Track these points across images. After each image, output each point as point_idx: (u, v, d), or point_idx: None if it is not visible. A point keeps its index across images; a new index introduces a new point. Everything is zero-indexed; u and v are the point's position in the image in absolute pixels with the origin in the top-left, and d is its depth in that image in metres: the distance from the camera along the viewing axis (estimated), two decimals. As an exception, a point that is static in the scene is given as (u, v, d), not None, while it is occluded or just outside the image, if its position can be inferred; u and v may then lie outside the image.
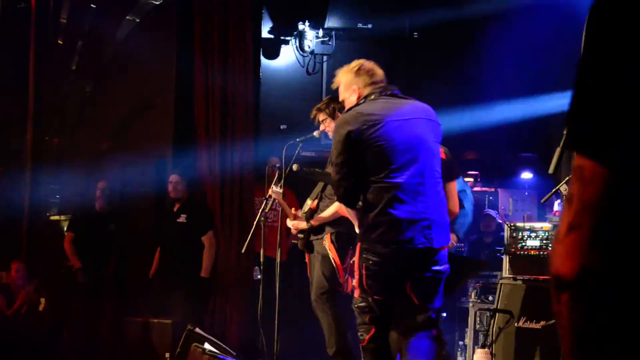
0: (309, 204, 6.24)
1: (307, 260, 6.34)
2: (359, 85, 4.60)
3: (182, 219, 7.99)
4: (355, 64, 4.66)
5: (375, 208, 4.38)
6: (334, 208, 6.09)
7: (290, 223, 6.21)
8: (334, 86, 4.77)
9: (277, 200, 6.29)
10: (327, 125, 6.29)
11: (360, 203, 4.48)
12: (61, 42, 9.37)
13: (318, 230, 6.15)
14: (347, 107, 4.60)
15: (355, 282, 4.46)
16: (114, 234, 8.54)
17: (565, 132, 3.21)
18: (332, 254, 6.03)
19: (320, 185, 6.29)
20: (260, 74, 8.96)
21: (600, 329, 1.08)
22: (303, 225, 6.12)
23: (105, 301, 8.42)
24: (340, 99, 4.71)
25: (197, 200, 8.28)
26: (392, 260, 4.41)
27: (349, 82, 4.64)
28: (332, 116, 6.26)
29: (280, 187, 6.22)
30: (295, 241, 6.28)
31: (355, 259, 4.46)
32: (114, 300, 8.48)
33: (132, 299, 8.35)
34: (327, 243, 6.06)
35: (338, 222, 6.10)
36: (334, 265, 6.03)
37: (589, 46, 1.11)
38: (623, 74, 1.06)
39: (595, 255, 1.07)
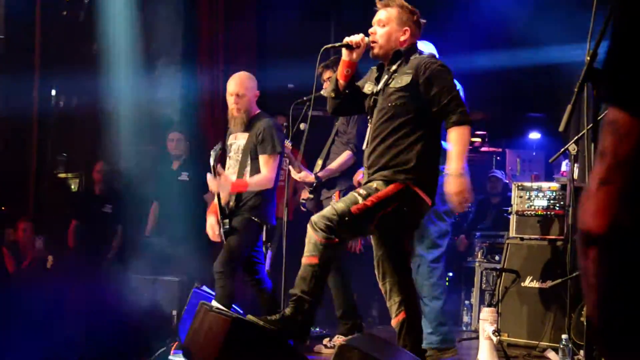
0: (319, 163, 6.21)
1: None
2: (412, 31, 4.45)
3: (184, 177, 7.98)
4: (412, 8, 4.49)
5: (436, 158, 4.42)
6: (342, 159, 6.08)
7: (296, 175, 6.17)
8: (382, 6, 4.46)
9: (284, 155, 6.24)
10: (333, 83, 6.26)
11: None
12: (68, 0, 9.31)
13: (329, 186, 6.14)
14: (389, 41, 4.41)
15: (365, 202, 4.22)
16: (111, 214, 8.63)
17: (576, 90, 3.14)
18: None
19: (328, 143, 6.26)
20: (267, 31, 8.92)
21: (627, 285, 1.06)
22: (310, 178, 6.10)
23: (109, 262, 8.52)
24: (382, 24, 4.42)
25: (198, 158, 8.29)
26: (423, 212, 4.47)
27: (405, 20, 4.44)
28: (339, 74, 6.22)
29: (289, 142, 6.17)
30: (304, 200, 6.26)
31: (387, 190, 4.27)
32: (118, 260, 8.55)
33: (136, 258, 8.39)
34: (335, 200, 6.05)
35: (348, 178, 6.08)
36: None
37: (627, 3, 1.09)
38: None
39: (626, 212, 1.05)
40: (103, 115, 9.43)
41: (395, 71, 4.40)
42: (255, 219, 5.77)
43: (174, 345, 5.43)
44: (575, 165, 5.52)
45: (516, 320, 6.18)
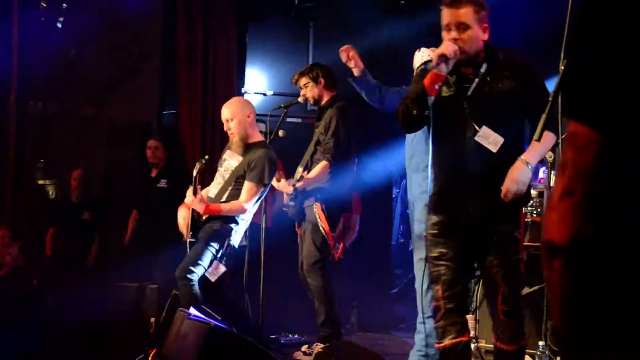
0: (299, 171, 6.23)
1: (297, 228, 6.34)
2: (487, 27, 4.05)
3: (162, 184, 7.99)
4: (482, 1, 4.06)
5: None
6: (319, 168, 6.10)
7: (275, 183, 6.18)
8: (456, 7, 3.99)
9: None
10: (309, 90, 6.28)
11: None
12: (45, 5, 9.26)
13: (309, 194, 6.15)
14: (473, 44, 3.98)
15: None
16: (89, 222, 8.61)
17: (550, 99, 3.17)
18: (323, 223, 6.04)
19: (310, 151, 6.28)
20: (247, 40, 8.94)
21: (591, 295, 1.08)
22: (290, 189, 6.11)
23: (89, 270, 8.50)
24: (463, 27, 3.95)
25: (177, 165, 8.28)
26: None
27: (482, 17, 4.02)
28: (315, 81, 6.25)
29: None
30: (285, 209, 6.27)
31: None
32: (98, 268, 8.53)
33: (116, 265, 8.37)
34: (317, 211, 6.07)
35: (328, 190, 6.10)
36: (324, 233, 6.05)
37: (587, 16, 1.11)
38: (619, 45, 1.07)
39: (588, 222, 1.07)
40: (81, 121, 9.40)
41: (487, 73, 4.03)
42: (220, 230, 5.78)
43: (152, 352, 5.41)
44: (552, 172, 5.55)
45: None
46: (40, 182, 10.05)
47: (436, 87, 3.95)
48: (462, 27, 3.96)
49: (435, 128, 4.12)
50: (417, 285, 5.00)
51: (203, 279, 5.71)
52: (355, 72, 5.49)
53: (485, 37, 4.03)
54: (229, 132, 5.94)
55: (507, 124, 4.01)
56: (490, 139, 3.96)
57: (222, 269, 5.79)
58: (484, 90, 4.00)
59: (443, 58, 3.88)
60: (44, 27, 9.34)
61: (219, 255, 5.76)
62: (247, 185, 5.77)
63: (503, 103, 3.99)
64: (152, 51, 8.99)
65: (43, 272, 8.39)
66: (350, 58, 5.52)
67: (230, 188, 5.86)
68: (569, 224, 1.07)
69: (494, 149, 3.95)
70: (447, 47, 3.91)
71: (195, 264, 5.67)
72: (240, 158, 5.89)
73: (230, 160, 5.96)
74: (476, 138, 3.96)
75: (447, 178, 4.11)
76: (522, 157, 3.96)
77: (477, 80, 4.01)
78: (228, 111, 5.92)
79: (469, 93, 4.01)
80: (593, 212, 1.06)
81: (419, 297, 4.94)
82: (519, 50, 4.19)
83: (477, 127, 3.96)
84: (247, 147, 5.92)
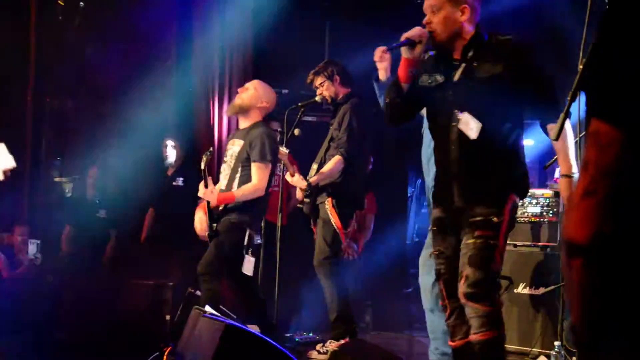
0: (314, 168, 6.22)
1: (312, 226, 6.33)
2: (471, 7, 3.89)
3: (179, 182, 8.01)
4: None
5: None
6: (332, 163, 6.09)
7: (289, 178, 6.18)
8: None
9: (282, 161, 6.22)
10: (326, 89, 6.27)
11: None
12: (62, 3, 9.30)
13: (321, 190, 6.14)
14: (448, 26, 3.86)
15: (499, 245, 3.75)
16: (105, 220, 8.66)
17: (569, 99, 3.16)
18: (334, 219, 6.03)
19: (324, 147, 6.27)
20: (263, 39, 8.94)
21: (611, 296, 1.07)
22: (304, 184, 6.10)
23: (105, 268, 8.54)
24: (435, 10, 3.86)
25: (193, 164, 8.31)
26: None
27: None
28: (331, 79, 6.23)
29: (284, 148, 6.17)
30: (301, 205, 6.27)
31: (505, 217, 3.80)
32: (113, 266, 8.56)
33: (131, 263, 8.39)
34: (328, 207, 6.05)
35: (340, 186, 6.09)
36: (336, 230, 6.04)
37: (610, 16, 1.11)
38: None
39: (610, 222, 1.06)
40: (98, 119, 9.43)
41: (473, 58, 3.89)
42: (237, 223, 5.78)
43: (168, 350, 5.43)
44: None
45: (508, 326, 6.15)
46: (57, 179, 10.10)
47: (409, 73, 3.89)
48: (434, 9, 3.88)
49: (428, 118, 4.10)
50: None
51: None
52: (381, 74, 5.37)
53: (464, 18, 3.86)
54: (237, 95, 6.06)
55: (492, 109, 3.82)
56: (469, 125, 3.81)
57: (252, 259, 5.81)
58: (470, 75, 3.87)
59: (407, 41, 3.83)
60: (61, 25, 9.38)
61: (240, 248, 5.78)
62: (253, 167, 5.79)
63: (487, 87, 3.82)
64: (168, 49, 9.00)
65: (59, 270, 8.41)
66: (382, 59, 5.39)
67: (237, 175, 5.87)
68: (590, 223, 1.06)
69: (473, 135, 3.79)
70: (412, 30, 3.86)
71: (214, 259, 5.69)
72: (242, 142, 5.92)
73: (233, 147, 5.99)
74: (458, 125, 3.84)
75: (438, 169, 4.05)
76: (563, 172, 3.90)
77: (463, 65, 3.90)
78: (253, 83, 6.07)
79: (455, 79, 3.91)
80: (614, 212, 1.05)
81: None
82: (508, 33, 4.00)
83: (458, 114, 3.84)
84: (247, 131, 5.97)
